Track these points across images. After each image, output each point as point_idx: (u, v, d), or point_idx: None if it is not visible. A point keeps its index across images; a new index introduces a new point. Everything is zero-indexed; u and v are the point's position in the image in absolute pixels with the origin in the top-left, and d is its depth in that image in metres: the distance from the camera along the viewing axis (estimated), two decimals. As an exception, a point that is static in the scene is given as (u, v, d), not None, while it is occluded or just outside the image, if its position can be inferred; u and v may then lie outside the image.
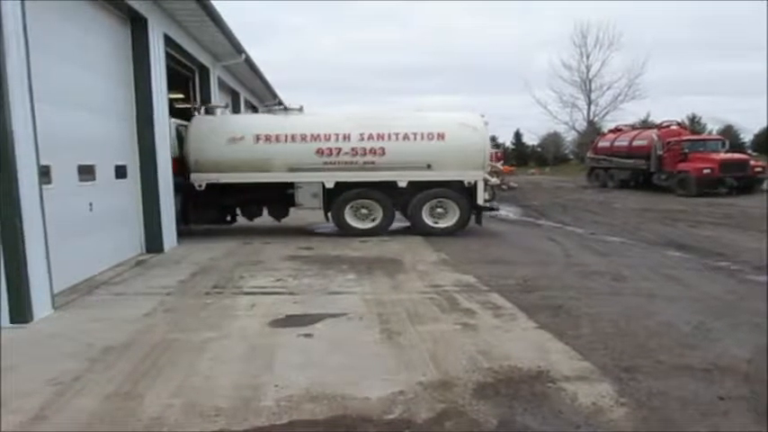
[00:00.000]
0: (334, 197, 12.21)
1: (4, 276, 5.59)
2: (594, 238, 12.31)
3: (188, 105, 15.32)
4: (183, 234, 11.31)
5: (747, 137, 54.52)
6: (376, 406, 3.78)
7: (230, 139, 11.84)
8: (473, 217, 12.56)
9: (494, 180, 12.81)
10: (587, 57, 41.03)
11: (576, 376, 4.33)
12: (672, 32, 70.57)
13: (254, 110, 23.05)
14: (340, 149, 11.99)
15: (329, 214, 12.58)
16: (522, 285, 7.51)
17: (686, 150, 24.31)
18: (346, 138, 12.02)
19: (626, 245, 11.39)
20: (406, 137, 12.08)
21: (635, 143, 27.78)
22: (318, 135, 11.99)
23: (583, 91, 41.70)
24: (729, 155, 24.65)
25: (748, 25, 73.83)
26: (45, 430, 3.48)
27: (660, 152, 25.24)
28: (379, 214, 12.31)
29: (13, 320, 5.64)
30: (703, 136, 31.19)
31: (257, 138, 11.89)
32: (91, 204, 8.03)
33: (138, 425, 3.51)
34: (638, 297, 7.02)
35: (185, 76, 14.31)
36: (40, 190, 6.00)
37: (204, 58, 14.02)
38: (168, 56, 11.23)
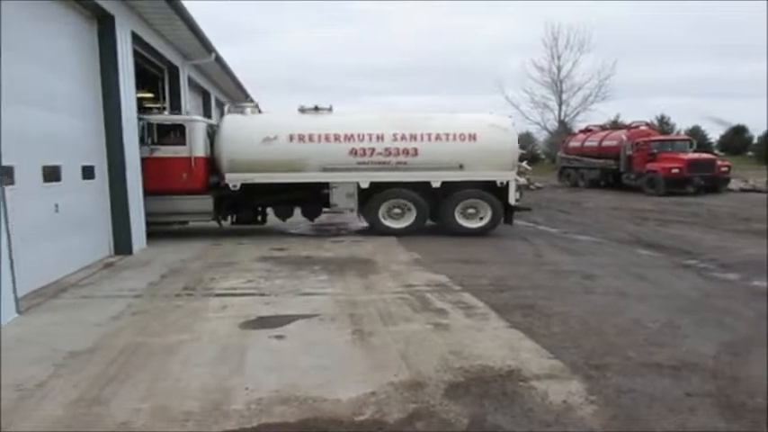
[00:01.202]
0: (368, 197, 12.21)
1: (-34, 280, 5.44)
2: (566, 237, 12.45)
3: (157, 105, 15.14)
4: (153, 235, 11.15)
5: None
6: (347, 407, 3.76)
7: (264, 138, 11.77)
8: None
9: (521, 180, 12.90)
10: (558, 58, 41.39)
11: (546, 374, 4.36)
12: (641, 35, 71.67)
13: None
14: (374, 149, 12.02)
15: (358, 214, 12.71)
16: (495, 285, 7.55)
17: (655, 150, 24.72)
18: (380, 138, 12.04)
19: (597, 244, 11.53)
20: (438, 137, 12.15)
21: (605, 143, 28.19)
22: (352, 135, 12.00)
23: (554, 92, 42.08)
24: (697, 155, 25.13)
25: (715, 28, 75.50)
26: (7, 438, 3.39)
27: (629, 152, 25.66)
28: (412, 214, 12.32)
29: (-25, 325, 5.50)
30: (671, 136, 31.79)
31: (291, 137, 11.85)
32: (57, 206, 7.86)
33: (105, 429, 3.43)
34: (608, 295, 7.12)
35: (154, 75, 14.11)
36: (3, 191, 5.84)
37: (174, 57, 13.83)
38: (137, 54, 11.06)
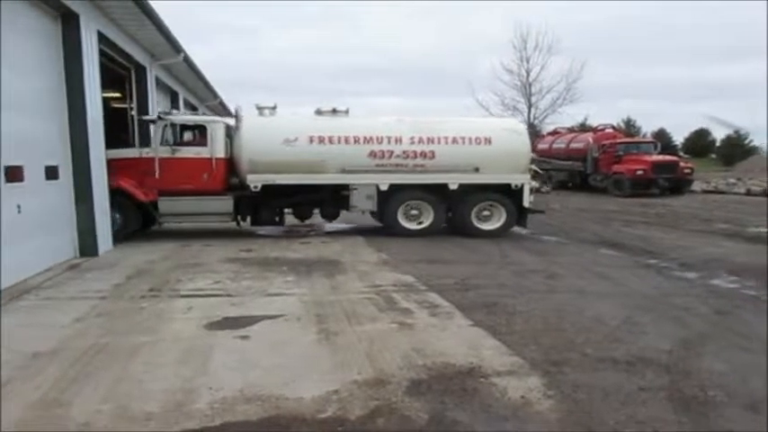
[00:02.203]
0: (387, 199, 12.29)
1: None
2: (532, 237, 12.64)
3: (124, 105, 14.99)
4: (119, 238, 11.05)
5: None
6: (310, 405, 3.81)
7: (285, 140, 11.80)
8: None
9: (534, 183, 13.13)
10: (527, 61, 41.82)
11: (506, 371, 4.47)
12: (609, 39, 73.02)
13: (194, 109, 22.67)
14: (392, 152, 12.14)
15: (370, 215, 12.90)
16: (460, 284, 7.66)
17: (620, 153, 25.25)
18: (398, 141, 12.18)
19: (562, 244, 11.76)
20: (454, 141, 12.33)
21: (572, 145, 28.68)
22: (371, 138, 12.11)
23: (523, 94, 42.50)
24: (661, 157, 25.75)
25: (679, 33, 77.18)
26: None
27: (596, 154, 26.15)
28: (429, 215, 12.43)
29: (-67, 328, 5.40)
30: (636, 139, 32.49)
31: (311, 139, 11.90)
32: (19, 206, 7.74)
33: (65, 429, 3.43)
34: (570, 294, 7.28)
35: (121, 74, 13.95)
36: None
37: (141, 57, 13.69)
38: (103, 54, 10.93)
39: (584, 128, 38.18)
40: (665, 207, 19.88)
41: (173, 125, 11.85)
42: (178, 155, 11.73)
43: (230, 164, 12.10)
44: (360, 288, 7.44)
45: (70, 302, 6.64)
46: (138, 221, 11.80)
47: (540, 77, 41.50)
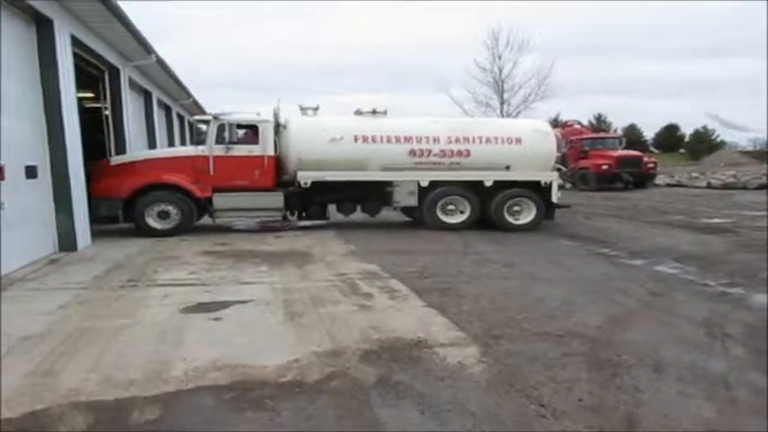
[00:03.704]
0: (426, 195, 12.92)
1: None
2: (495, 229, 13.23)
3: (98, 105, 15.29)
4: (97, 234, 11.47)
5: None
6: (273, 372, 4.34)
7: (331, 139, 12.46)
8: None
9: (560, 180, 13.84)
10: (499, 58, 42.61)
11: (449, 343, 5.04)
12: (578, 36, 74.23)
13: (168, 109, 22.96)
14: (430, 151, 12.87)
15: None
16: (420, 272, 8.22)
17: (586, 148, 26.06)
18: (436, 140, 12.90)
19: (522, 235, 12.38)
20: (488, 140, 13.08)
21: (541, 141, 29.40)
22: (411, 137, 12.82)
23: (496, 91, 43.27)
24: (625, 152, 26.61)
25: (652, 31, 78.66)
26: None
27: (563, 150, 26.90)
28: (466, 211, 13.09)
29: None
30: (601, 134, 33.33)
31: (356, 138, 12.59)
32: (1, 204, 8.13)
33: (57, 396, 3.92)
34: (521, 280, 7.88)
35: (95, 75, 14.27)
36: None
37: (114, 59, 14.03)
38: (76, 56, 11.27)
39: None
40: (627, 200, 20.70)
41: (229, 125, 12.40)
42: (231, 153, 12.36)
43: (278, 161, 12.72)
44: (327, 276, 7.97)
45: (53, 292, 7.08)
46: (193, 217, 12.43)
47: (512, 74, 42.36)
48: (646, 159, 26.40)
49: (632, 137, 61.82)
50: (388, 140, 12.76)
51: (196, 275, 8.07)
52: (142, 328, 5.55)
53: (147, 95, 18.60)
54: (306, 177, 12.48)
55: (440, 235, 12.15)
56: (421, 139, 12.87)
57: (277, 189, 12.70)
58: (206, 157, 12.35)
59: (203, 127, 13.45)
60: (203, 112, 31.30)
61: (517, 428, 3.48)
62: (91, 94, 15.71)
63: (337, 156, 12.51)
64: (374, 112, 13.25)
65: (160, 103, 20.88)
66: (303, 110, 13.25)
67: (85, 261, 9.23)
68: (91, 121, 14.18)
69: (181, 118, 26.73)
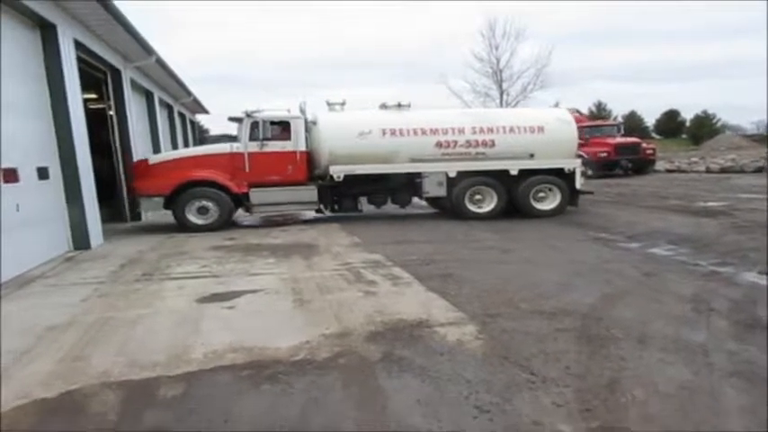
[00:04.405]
0: (454, 185, 13.32)
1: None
2: (495, 217, 13.52)
3: (102, 105, 15.63)
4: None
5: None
6: (285, 352, 4.69)
7: (360, 133, 12.96)
8: None
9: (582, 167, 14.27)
10: (496, 48, 42.77)
11: (449, 322, 5.38)
12: (576, 23, 74.27)
13: (170, 108, 23.28)
14: (456, 142, 13.30)
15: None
16: (422, 260, 8.55)
17: (586, 136, 26.27)
18: (461, 131, 13.32)
19: (522, 222, 12.68)
20: (512, 130, 13.51)
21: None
22: (437, 129, 13.26)
23: (495, 81, 43.43)
24: (623, 139, 26.84)
25: (650, 15, 78.61)
26: (11, 387, 4.18)
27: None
28: (492, 200, 13.49)
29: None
30: (599, 122, 33.50)
31: (383, 132, 13.06)
32: (17, 205, 8.49)
33: (88, 378, 4.28)
34: (520, 264, 8.21)
35: (98, 77, 14.60)
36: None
37: (115, 61, 14.39)
38: (79, 59, 11.60)
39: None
40: (627, 186, 20.96)
41: (263, 122, 12.88)
42: (266, 149, 12.85)
43: (310, 156, 13.19)
44: (332, 266, 8.32)
45: (73, 287, 7.44)
46: (231, 212, 12.96)
47: (510, 64, 42.53)
48: (644, 146, 26.59)
49: (632, 124, 62.04)
50: (415, 133, 13.18)
51: (207, 268, 8.42)
52: (161, 317, 5.91)
53: (148, 95, 18.94)
54: (338, 171, 12.92)
55: (442, 224, 12.49)
56: (447, 130, 13.27)
57: (310, 183, 13.18)
58: (241, 154, 12.83)
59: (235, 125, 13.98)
60: (204, 110, 31.81)
61: (507, 392, 3.82)
62: (94, 96, 16.05)
63: (366, 149, 12.94)
64: (399, 105, 13.67)
65: (162, 103, 21.21)
66: (330, 105, 13.68)
67: (100, 258, 9.59)
68: (95, 122, 14.54)
69: (182, 116, 27.07)
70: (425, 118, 13.52)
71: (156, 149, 19.05)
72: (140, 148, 16.07)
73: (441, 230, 11.69)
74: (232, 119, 14.19)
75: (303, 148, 13.11)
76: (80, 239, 10.49)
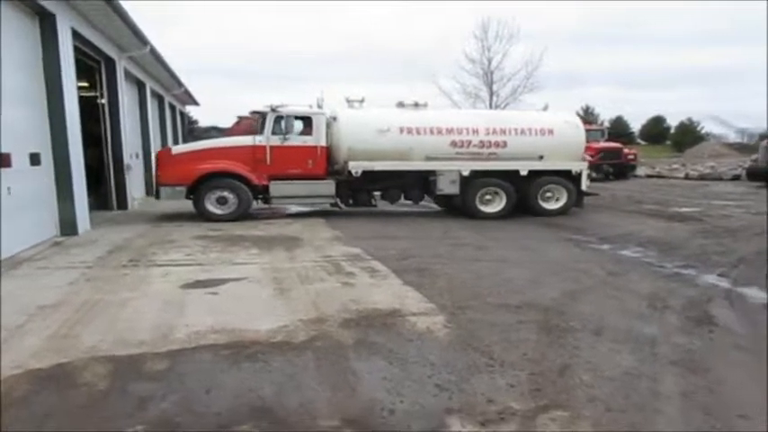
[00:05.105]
0: (467, 184, 13.68)
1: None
2: (473, 217, 13.90)
3: (93, 94, 15.81)
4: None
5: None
6: (264, 334, 5.01)
7: (378, 130, 13.29)
8: None
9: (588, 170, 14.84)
10: (488, 50, 43.04)
11: (420, 312, 5.72)
12: (567, 27, 74.97)
13: (161, 99, 23.44)
14: (470, 141, 13.72)
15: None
16: (400, 254, 8.89)
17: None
18: (475, 131, 13.76)
19: (500, 222, 13.06)
20: (523, 132, 14.01)
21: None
22: (452, 128, 13.69)
23: (485, 83, 43.72)
24: (606, 143, 27.36)
25: (639, 21, 79.47)
26: (6, 359, 4.45)
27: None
28: (502, 199, 13.88)
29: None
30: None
31: (401, 129, 13.43)
32: (9, 189, 8.71)
33: (78, 352, 4.57)
34: (494, 262, 8.56)
35: (91, 66, 14.79)
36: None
37: (111, 50, 14.60)
38: (75, 48, 11.81)
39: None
40: (606, 190, 21.38)
41: (286, 117, 13.18)
42: (287, 143, 13.15)
43: (329, 151, 13.50)
44: (314, 258, 8.63)
45: (61, 271, 7.70)
46: (250, 203, 13.25)
47: (501, 66, 42.85)
48: (626, 151, 27.18)
49: (619, 129, 62.77)
50: (431, 132, 13.58)
51: (192, 257, 8.69)
52: (147, 300, 6.19)
53: (140, 86, 19.13)
54: (357, 167, 13.28)
55: (422, 222, 12.85)
56: (462, 130, 13.70)
57: (328, 177, 13.51)
58: (263, 147, 13.14)
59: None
60: (195, 102, 31.92)
61: (467, 374, 4.17)
62: (86, 84, 16.21)
63: (384, 146, 13.30)
64: (416, 104, 14.09)
65: (153, 93, 21.39)
66: (350, 102, 14.03)
67: (88, 244, 9.84)
68: (85, 110, 14.71)
69: (172, 107, 27.21)
70: (441, 117, 14.05)
71: (146, 140, 19.27)
72: (130, 138, 16.27)
73: (420, 228, 12.05)
74: (254, 112, 14.58)
75: (324, 143, 13.42)
76: (68, 225, 10.71)
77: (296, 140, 13.28)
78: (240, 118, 24.61)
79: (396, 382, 4.03)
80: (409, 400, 3.76)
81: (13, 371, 4.17)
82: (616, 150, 26.78)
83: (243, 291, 6.66)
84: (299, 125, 13.47)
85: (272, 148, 13.14)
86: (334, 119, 13.63)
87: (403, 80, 74.76)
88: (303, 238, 10.45)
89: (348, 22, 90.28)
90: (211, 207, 12.90)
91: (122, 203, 15.27)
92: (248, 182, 13.03)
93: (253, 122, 21.49)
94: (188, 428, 3.40)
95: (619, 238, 10.85)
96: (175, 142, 25.89)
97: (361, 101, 14.01)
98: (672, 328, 5.36)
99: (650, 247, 9.87)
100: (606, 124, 48.92)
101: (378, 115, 13.76)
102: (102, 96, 15.20)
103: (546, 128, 14.13)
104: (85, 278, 7.26)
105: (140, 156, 18.83)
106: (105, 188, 15.23)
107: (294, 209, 14.86)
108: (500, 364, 4.35)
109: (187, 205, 13.38)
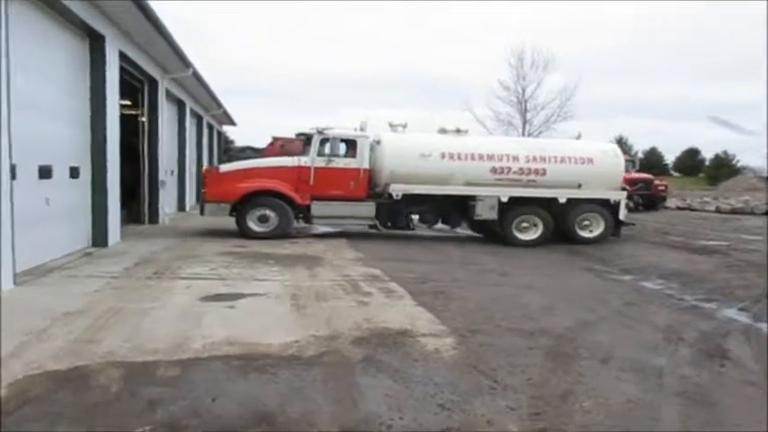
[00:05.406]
0: (505, 211, 13.80)
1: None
2: (497, 244, 13.91)
3: (135, 112, 16.36)
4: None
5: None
6: (276, 348, 5.14)
7: (420, 154, 13.53)
8: None
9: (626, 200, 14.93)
10: (523, 78, 43.14)
11: (430, 334, 5.80)
12: (602, 57, 74.71)
13: (199, 119, 24.06)
14: (510, 168, 13.85)
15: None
16: (419, 277, 8.98)
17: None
18: (516, 158, 13.91)
19: (526, 250, 13.04)
20: (562, 160, 14.13)
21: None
22: (493, 155, 13.87)
23: (519, 111, 43.74)
24: (637, 174, 27.09)
25: (672, 52, 78.89)
26: (26, 359, 4.67)
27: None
28: (539, 227, 13.96)
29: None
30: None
31: (443, 155, 13.62)
32: (47, 199, 9.07)
33: (95, 356, 4.76)
34: (512, 287, 8.61)
35: (135, 86, 15.32)
36: (11, 184, 7.12)
37: (154, 72, 15.15)
38: (121, 69, 12.31)
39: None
40: (636, 221, 21.15)
41: (332, 139, 13.54)
42: (331, 165, 13.47)
43: (370, 174, 13.78)
44: (333, 277, 8.77)
45: (89, 279, 7.98)
46: (291, 222, 13.54)
47: (535, 94, 42.88)
48: (657, 182, 26.90)
49: (653, 160, 62.07)
50: (472, 158, 13.74)
51: (215, 271, 8.92)
52: (167, 311, 6.40)
53: (181, 105, 19.70)
54: (398, 190, 13.47)
55: (443, 246, 12.92)
56: (502, 157, 13.85)
57: (369, 199, 13.73)
58: (308, 168, 13.44)
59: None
60: (232, 122, 32.61)
61: (469, 395, 4.23)
62: (128, 102, 16.77)
63: (426, 170, 13.50)
64: (458, 130, 14.34)
65: (192, 113, 21.97)
66: (393, 127, 14.30)
67: (116, 255, 10.15)
68: (126, 126, 15.22)
69: (210, 127, 27.86)
70: (483, 143, 14.32)
71: (182, 157, 19.79)
72: (167, 155, 16.75)
73: (442, 252, 12.14)
74: (300, 134, 14.97)
75: (367, 166, 13.63)
76: (100, 236, 11.06)
77: (340, 162, 13.54)
78: (274, 138, 25.18)
79: (398, 399, 4.12)
80: (409, 417, 3.84)
81: (33, 371, 4.38)
82: (646, 181, 26.51)
83: (260, 306, 6.83)
84: (343, 148, 13.75)
85: (316, 169, 13.38)
86: (378, 142, 13.87)
87: (431, 105, 74.92)
88: (325, 258, 10.61)
89: (379, 46, 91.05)
90: (253, 224, 13.15)
91: (154, 218, 15.66)
92: (291, 201, 13.27)
93: (285, 143, 22.03)
94: (193, 431, 3.54)
95: (641, 269, 10.78)
96: (211, 161, 26.50)
97: (404, 125, 14.22)
98: (682, 360, 5.34)
99: (672, 279, 9.78)
100: (639, 155, 48.51)
101: (420, 140, 13.98)
102: (143, 115, 15.72)
103: (585, 156, 14.18)
104: (111, 287, 7.52)
105: (175, 173, 19.35)
106: (138, 202, 15.67)
107: (322, 229, 15.05)
108: (503, 387, 4.41)
109: (217, 222, 13.73)
